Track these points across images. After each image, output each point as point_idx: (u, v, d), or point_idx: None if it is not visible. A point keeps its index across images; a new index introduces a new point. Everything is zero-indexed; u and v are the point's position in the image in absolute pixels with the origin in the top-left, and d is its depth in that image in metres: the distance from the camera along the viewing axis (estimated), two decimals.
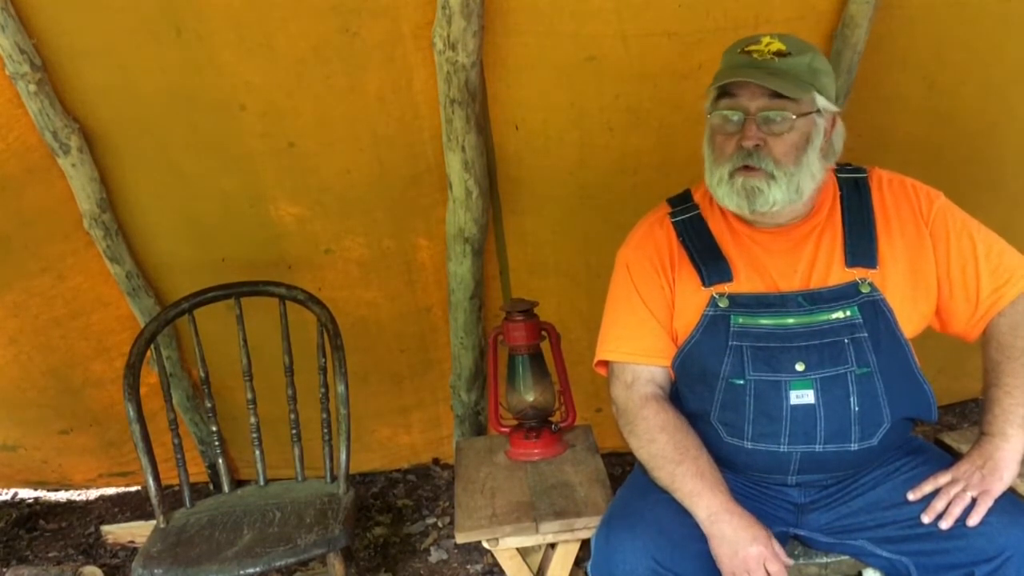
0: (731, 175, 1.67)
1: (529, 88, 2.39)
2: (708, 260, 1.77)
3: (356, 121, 2.43)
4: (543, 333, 2.29)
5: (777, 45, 1.66)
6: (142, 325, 2.67)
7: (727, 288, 1.75)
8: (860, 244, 1.73)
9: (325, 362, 2.40)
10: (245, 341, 2.39)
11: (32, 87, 2.27)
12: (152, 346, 2.32)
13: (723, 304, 1.74)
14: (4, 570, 2.87)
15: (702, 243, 1.79)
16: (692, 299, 1.77)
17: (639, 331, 1.82)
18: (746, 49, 1.68)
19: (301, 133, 2.46)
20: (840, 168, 1.81)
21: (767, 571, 1.63)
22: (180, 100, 2.37)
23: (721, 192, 1.70)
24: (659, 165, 2.50)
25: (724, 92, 1.67)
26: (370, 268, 2.80)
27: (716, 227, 1.81)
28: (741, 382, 1.71)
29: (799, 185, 1.67)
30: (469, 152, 2.46)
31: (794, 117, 1.64)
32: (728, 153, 1.67)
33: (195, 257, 2.74)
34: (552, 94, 2.39)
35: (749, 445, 1.72)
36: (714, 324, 1.74)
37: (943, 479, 1.68)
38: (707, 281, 1.75)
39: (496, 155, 2.56)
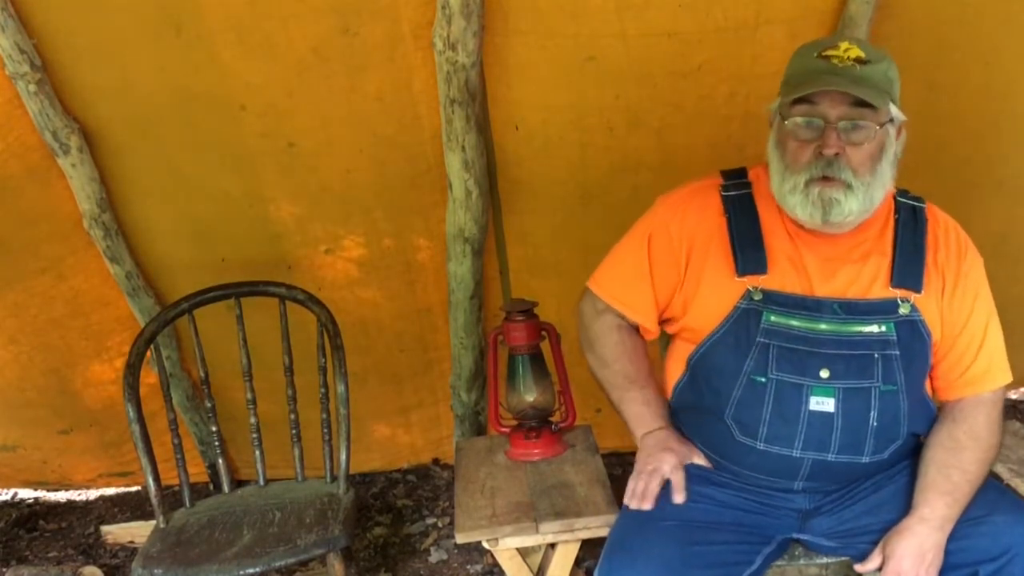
0: (807, 184, 1.63)
1: (529, 88, 2.39)
2: (747, 247, 1.73)
3: (356, 121, 2.43)
4: (543, 333, 2.28)
5: (856, 51, 1.62)
6: (142, 325, 2.66)
7: (761, 282, 1.72)
8: (909, 266, 1.71)
9: (325, 362, 2.39)
10: (245, 341, 2.39)
11: (32, 87, 2.27)
12: (152, 346, 2.32)
13: (757, 297, 1.71)
14: (4, 570, 2.87)
15: (746, 227, 1.75)
16: (725, 289, 1.74)
17: (636, 286, 1.84)
18: (824, 54, 1.63)
19: (301, 133, 2.46)
20: (900, 192, 1.79)
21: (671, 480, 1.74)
22: (180, 100, 2.37)
23: (793, 201, 1.65)
24: (659, 165, 2.50)
25: (802, 98, 1.63)
26: (370, 268, 2.80)
27: (765, 213, 1.76)
28: (763, 380, 1.69)
29: (872, 196, 1.65)
30: (469, 152, 2.46)
31: (877, 127, 1.61)
32: (804, 161, 1.63)
33: (195, 257, 2.74)
34: (552, 94, 2.39)
35: (761, 446, 1.71)
36: (745, 317, 1.71)
37: None
38: (741, 270, 1.72)
39: (496, 155, 2.56)
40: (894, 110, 1.65)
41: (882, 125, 1.63)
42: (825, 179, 1.62)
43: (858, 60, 1.62)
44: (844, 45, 1.63)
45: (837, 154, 1.61)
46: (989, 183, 2.66)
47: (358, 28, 2.23)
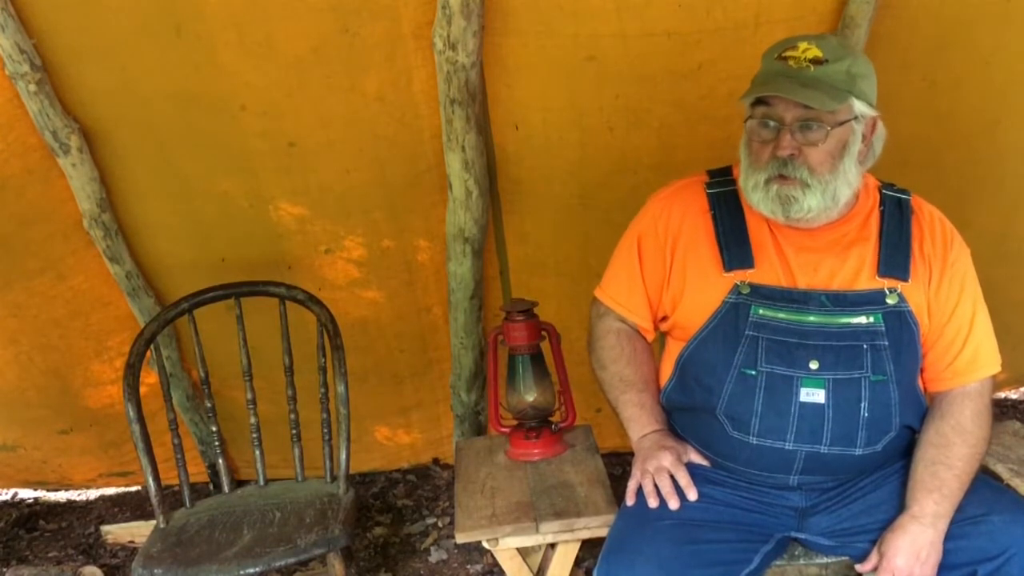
0: (766, 182, 1.67)
1: (529, 88, 2.39)
2: (732, 243, 1.76)
3: (356, 121, 2.43)
4: (543, 333, 2.29)
5: (814, 52, 1.63)
6: (142, 325, 2.67)
7: (749, 276, 1.74)
8: (896, 256, 1.73)
9: (325, 362, 2.40)
10: (245, 341, 2.39)
11: (32, 87, 2.27)
12: (152, 346, 2.32)
13: (745, 291, 1.73)
14: (4, 570, 2.87)
15: (731, 222, 1.78)
16: (712, 285, 1.76)
17: (628, 286, 1.90)
18: (783, 55, 1.65)
19: (301, 133, 2.46)
20: (885, 185, 1.81)
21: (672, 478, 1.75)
22: (180, 100, 2.37)
23: (756, 198, 1.70)
24: (659, 165, 2.50)
25: (761, 99, 1.66)
26: (370, 268, 2.80)
27: (749, 209, 1.78)
28: (753, 373, 1.71)
29: (835, 192, 1.67)
30: (469, 152, 2.46)
31: (829, 128, 1.63)
32: (764, 160, 1.67)
33: (195, 257, 2.74)
34: (552, 94, 2.39)
35: (754, 440, 1.72)
36: (734, 311, 1.73)
37: None
38: (728, 265, 1.75)
39: (496, 155, 2.56)
40: (860, 106, 1.66)
41: (841, 124, 1.64)
42: (781, 177, 1.65)
43: (814, 61, 1.63)
44: (803, 46, 1.65)
45: (792, 155, 1.64)
46: (989, 183, 2.66)
47: (358, 28, 2.23)
